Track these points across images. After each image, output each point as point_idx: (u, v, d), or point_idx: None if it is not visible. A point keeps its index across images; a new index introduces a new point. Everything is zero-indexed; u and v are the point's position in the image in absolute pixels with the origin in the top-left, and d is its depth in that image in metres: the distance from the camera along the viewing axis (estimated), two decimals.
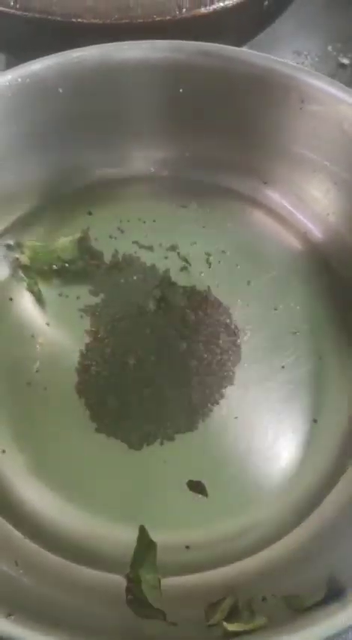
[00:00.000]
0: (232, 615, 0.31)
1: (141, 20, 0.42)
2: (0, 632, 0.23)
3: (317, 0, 0.72)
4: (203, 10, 0.43)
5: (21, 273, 0.43)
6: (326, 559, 0.32)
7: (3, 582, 0.31)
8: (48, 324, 0.42)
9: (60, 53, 0.40)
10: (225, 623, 0.28)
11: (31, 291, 0.43)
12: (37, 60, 0.40)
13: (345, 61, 0.67)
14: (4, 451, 0.37)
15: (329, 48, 0.69)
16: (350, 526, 0.34)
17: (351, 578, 0.28)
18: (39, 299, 0.43)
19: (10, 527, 0.34)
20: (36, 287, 0.43)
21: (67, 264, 0.44)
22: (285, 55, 0.68)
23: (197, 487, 0.36)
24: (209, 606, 0.32)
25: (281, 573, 0.33)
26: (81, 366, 0.40)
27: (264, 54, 0.41)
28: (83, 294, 0.43)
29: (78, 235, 0.45)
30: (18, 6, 0.42)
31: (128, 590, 0.33)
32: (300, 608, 0.29)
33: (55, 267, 0.44)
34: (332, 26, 0.71)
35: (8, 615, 0.24)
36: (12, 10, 0.42)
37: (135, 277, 0.44)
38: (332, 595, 0.28)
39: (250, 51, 0.41)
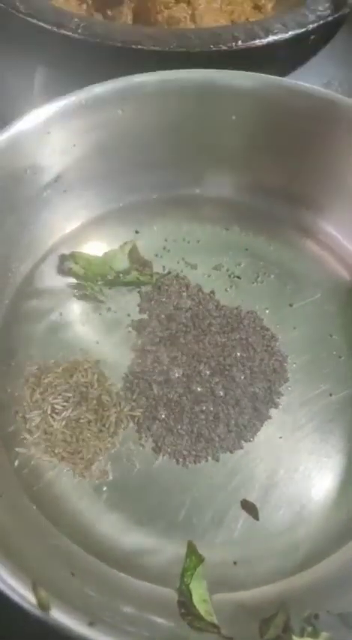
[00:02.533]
0: (286, 631, 0.31)
1: (198, 49, 0.44)
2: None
3: (346, 30, 0.74)
4: (258, 42, 0.44)
5: (74, 284, 0.45)
6: None
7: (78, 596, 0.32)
8: (97, 342, 0.43)
9: (121, 78, 0.42)
10: (294, 637, 0.29)
11: (84, 300, 0.44)
12: (99, 84, 0.42)
13: None
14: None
15: None
16: None
17: None
18: (89, 311, 0.44)
19: (65, 539, 0.35)
20: (89, 295, 0.44)
21: (120, 275, 0.45)
22: (317, 85, 0.69)
23: (250, 508, 0.37)
24: (263, 622, 0.32)
25: (332, 590, 0.34)
26: (128, 384, 0.41)
27: (318, 87, 0.43)
28: (131, 310, 0.44)
29: (128, 246, 0.46)
30: (80, 31, 0.44)
31: (180, 603, 0.34)
32: None
33: (108, 277, 0.45)
34: None
35: (90, 624, 0.25)
36: (75, 35, 0.43)
37: (182, 295, 0.45)
38: None
39: (305, 84, 0.43)
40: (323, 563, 0.35)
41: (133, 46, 0.43)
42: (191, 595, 0.34)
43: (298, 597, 0.34)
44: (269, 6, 0.59)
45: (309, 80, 0.69)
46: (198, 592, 0.34)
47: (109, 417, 0.40)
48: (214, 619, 0.32)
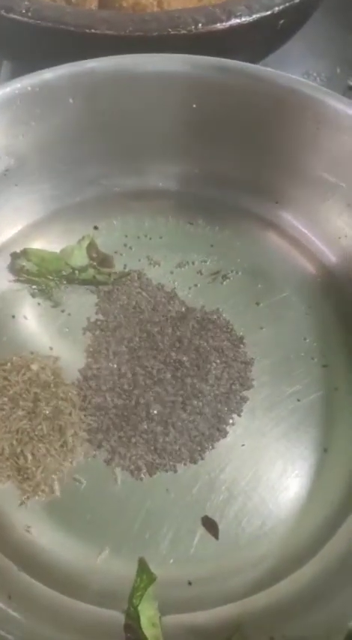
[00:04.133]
0: None
1: (156, 33, 0.41)
2: None
3: (327, 21, 0.72)
4: (219, 25, 0.42)
5: (27, 283, 0.42)
6: (341, 598, 0.30)
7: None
8: (50, 345, 0.40)
9: (73, 63, 0.39)
10: None
11: (38, 300, 0.42)
12: (49, 69, 0.39)
13: None
14: None
15: (338, 70, 0.68)
16: None
17: None
18: (43, 312, 0.41)
19: (5, 558, 0.32)
20: (44, 292, 0.42)
21: (76, 272, 0.42)
22: (295, 75, 0.67)
23: (210, 526, 0.35)
24: None
25: (291, 612, 0.31)
26: (80, 389, 0.38)
27: (281, 72, 0.40)
28: (87, 311, 0.42)
29: (86, 241, 0.43)
30: (30, 14, 0.41)
31: (127, 627, 0.31)
32: None
33: (63, 272, 0.42)
34: (342, 48, 0.71)
35: None
36: (24, 19, 0.41)
37: (141, 295, 0.43)
38: None
39: (267, 69, 0.41)
40: (284, 582, 0.33)
41: (87, 30, 0.41)
42: (139, 618, 0.31)
43: (255, 619, 0.31)
44: None
45: (287, 70, 0.66)
46: (147, 614, 0.31)
47: (66, 429, 0.37)
48: None
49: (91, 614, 0.32)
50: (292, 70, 0.67)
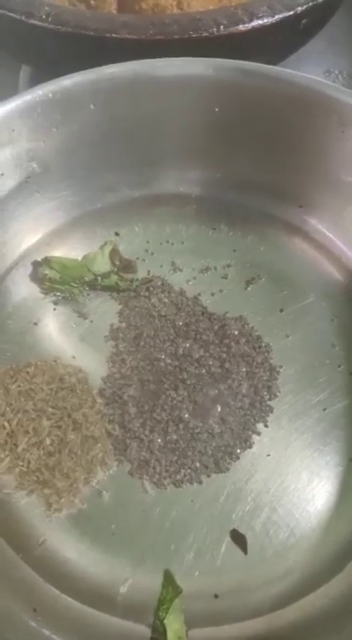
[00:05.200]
0: None
1: (176, 37, 0.41)
2: None
3: (347, 19, 0.71)
4: (241, 27, 0.41)
5: (49, 290, 0.42)
6: None
7: (19, 630, 0.29)
8: (73, 355, 0.40)
9: (92, 69, 0.39)
10: None
11: (61, 307, 0.42)
12: (69, 76, 0.39)
13: None
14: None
15: None
16: None
17: None
18: (66, 319, 0.41)
19: (30, 570, 0.32)
20: (68, 299, 0.42)
21: (99, 278, 0.42)
22: (316, 74, 0.66)
23: (239, 540, 0.34)
24: None
25: (319, 627, 0.31)
26: (103, 398, 0.38)
27: (305, 75, 0.39)
28: (110, 318, 0.41)
29: (108, 247, 0.43)
30: (50, 20, 0.41)
31: None
32: None
33: (86, 279, 0.42)
34: None
35: None
36: (44, 24, 0.40)
37: (164, 301, 0.42)
38: None
39: (291, 71, 0.40)
40: (311, 596, 0.32)
41: (107, 35, 0.40)
42: (166, 631, 0.31)
43: (283, 635, 0.31)
44: None
45: (307, 69, 0.66)
46: (174, 628, 0.31)
47: (93, 440, 0.37)
48: None
49: (117, 627, 0.31)
50: (313, 68, 0.67)
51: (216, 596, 0.33)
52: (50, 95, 0.38)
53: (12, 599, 0.31)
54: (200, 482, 0.36)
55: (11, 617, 0.29)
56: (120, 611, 0.32)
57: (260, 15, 0.42)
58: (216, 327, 0.41)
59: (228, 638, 0.31)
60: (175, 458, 0.36)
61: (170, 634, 0.31)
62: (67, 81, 0.38)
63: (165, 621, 0.31)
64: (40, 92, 0.38)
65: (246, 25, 0.41)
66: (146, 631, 0.31)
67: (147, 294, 0.43)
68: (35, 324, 0.41)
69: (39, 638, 0.29)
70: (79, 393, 0.38)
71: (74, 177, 0.42)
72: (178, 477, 0.36)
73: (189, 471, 0.36)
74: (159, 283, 0.43)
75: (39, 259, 0.42)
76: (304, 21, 0.45)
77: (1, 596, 0.30)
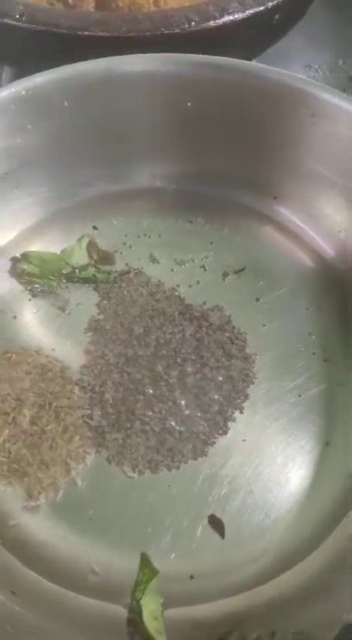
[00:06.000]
0: None
1: (149, 33, 0.41)
2: None
3: (328, 14, 0.71)
4: (212, 23, 0.42)
5: (28, 284, 0.43)
6: (340, 593, 0.30)
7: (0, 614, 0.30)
8: (53, 347, 0.41)
9: (64, 66, 0.40)
10: None
11: (40, 300, 0.42)
12: (42, 73, 0.40)
13: None
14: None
15: (340, 62, 0.68)
16: None
17: None
18: (45, 312, 0.42)
19: (9, 555, 0.33)
20: (47, 292, 0.43)
21: (76, 270, 0.43)
22: (296, 69, 0.67)
23: (216, 525, 0.35)
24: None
25: (291, 606, 0.31)
26: (82, 388, 0.39)
27: (274, 68, 0.40)
28: (89, 310, 0.42)
29: (86, 240, 0.44)
30: (24, 18, 0.41)
31: (129, 621, 0.32)
32: None
33: (64, 271, 0.43)
34: (343, 40, 0.70)
35: None
36: (19, 23, 0.41)
37: (142, 292, 0.43)
38: (347, 636, 0.26)
39: (260, 65, 0.41)
40: (285, 576, 0.33)
41: (80, 33, 0.41)
42: (141, 612, 0.32)
43: (257, 613, 0.31)
44: None
45: (287, 64, 0.67)
46: (149, 608, 0.32)
47: (72, 429, 0.37)
48: (163, 637, 0.30)
49: (95, 608, 0.32)
50: (293, 63, 0.68)
51: (191, 577, 0.33)
52: (23, 92, 0.39)
53: None
54: (177, 468, 0.37)
55: None
56: (98, 593, 0.33)
57: (231, 10, 0.43)
58: (193, 318, 0.42)
59: (203, 617, 0.32)
60: (152, 444, 0.37)
61: (146, 614, 0.31)
62: (39, 78, 0.39)
63: (142, 602, 0.32)
64: (13, 90, 0.39)
65: (217, 21, 0.42)
66: (123, 611, 0.32)
67: (125, 285, 0.43)
68: (14, 317, 0.42)
69: (18, 619, 0.30)
70: (59, 383, 0.39)
71: (51, 172, 0.43)
72: (155, 463, 0.37)
73: (166, 457, 0.37)
74: (137, 275, 0.44)
75: (18, 255, 0.43)
76: (277, 16, 0.46)
77: None
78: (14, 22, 0.41)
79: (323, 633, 0.27)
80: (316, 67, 0.67)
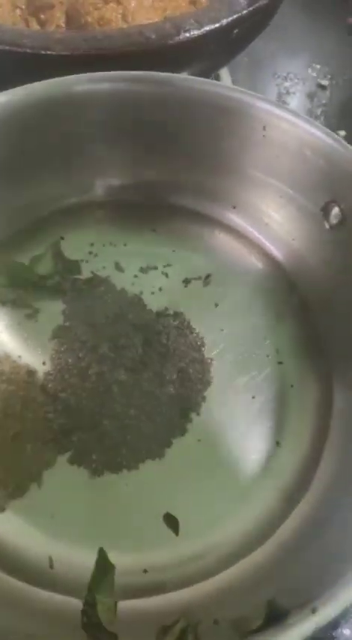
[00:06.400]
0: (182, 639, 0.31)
1: (108, 51, 0.43)
2: None
3: (298, 23, 0.73)
4: (170, 41, 0.44)
5: None
6: (274, 584, 0.32)
7: None
8: (19, 354, 0.42)
9: (9, 90, 0.41)
10: None
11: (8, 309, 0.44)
12: (1, 94, 0.41)
13: (324, 82, 0.68)
14: None
15: (309, 70, 0.70)
16: (299, 553, 0.34)
17: (293, 603, 0.28)
18: (11, 320, 0.44)
19: None
20: (15, 302, 0.44)
21: (43, 278, 0.45)
22: (266, 76, 0.69)
23: (171, 523, 0.37)
24: (161, 629, 0.32)
25: (233, 597, 0.33)
26: (46, 393, 0.41)
27: (225, 84, 0.42)
28: (55, 318, 0.44)
29: (53, 249, 0.46)
30: None
31: (84, 613, 0.33)
32: (246, 631, 0.29)
33: (31, 280, 0.45)
34: (313, 48, 0.72)
35: None
36: None
37: (106, 300, 0.45)
38: (273, 618, 0.28)
39: (212, 81, 0.42)
40: (230, 569, 0.35)
41: (42, 52, 0.43)
42: (96, 604, 0.33)
43: (201, 604, 0.33)
44: (204, 0, 0.58)
45: (258, 71, 0.69)
46: (104, 600, 0.34)
47: (36, 432, 0.39)
48: (115, 629, 0.32)
49: (53, 601, 0.34)
50: (263, 71, 0.70)
51: (145, 571, 0.35)
52: None
53: None
54: (136, 468, 0.39)
55: None
56: (57, 587, 0.34)
57: (187, 28, 0.44)
58: (156, 324, 0.44)
59: (153, 607, 0.34)
60: (112, 446, 0.39)
61: (100, 606, 0.33)
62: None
63: (97, 594, 0.34)
64: None
65: (174, 39, 0.44)
66: (78, 603, 0.34)
67: (90, 293, 0.45)
68: None
69: None
70: (25, 387, 0.41)
71: (16, 187, 0.45)
72: (114, 463, 0.38)
73: (124, 458, 0.39)
74: (102, 283, 0.46)
75: None
76: (236, 31, 0.48)
77: None
78: None
79: (256, 618, 0.29)
80: (284, 74, 0.69)
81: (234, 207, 0.46)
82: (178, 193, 0.47)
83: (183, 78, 0.42)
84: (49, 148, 0.44)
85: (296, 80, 0.68)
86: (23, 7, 0.58)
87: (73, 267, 0.46)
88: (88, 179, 0.47)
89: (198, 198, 0.47)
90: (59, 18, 0.57)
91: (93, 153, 0.45)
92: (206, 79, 0.42)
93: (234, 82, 0.63)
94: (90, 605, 0.33)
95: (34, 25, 0.58)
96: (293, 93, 0.67)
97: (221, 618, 0.32)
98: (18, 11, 0.59)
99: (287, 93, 0.67)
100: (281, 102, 0.64)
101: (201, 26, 0.45)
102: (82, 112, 0.43)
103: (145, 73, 0.42)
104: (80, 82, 0.42)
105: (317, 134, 0.41)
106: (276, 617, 0.28)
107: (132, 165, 0.46)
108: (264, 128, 0.42)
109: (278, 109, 0.41)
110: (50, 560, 0.35)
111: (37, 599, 0.34)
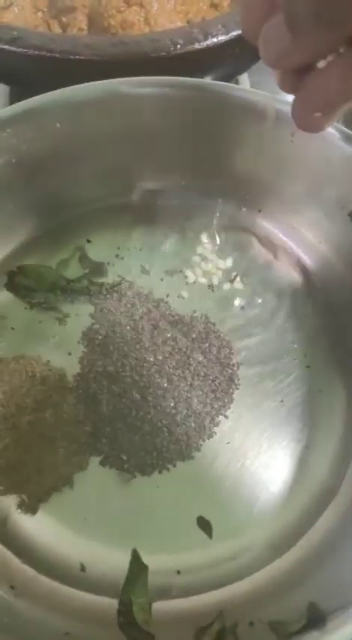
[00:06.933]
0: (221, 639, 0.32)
1: (136, 57, 0.44)
2: None
3: None
4: (197, 46, 0.44)
5: (25, 298, 0.45)
6: (311, 585, 0.33)
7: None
8: (48, 359, 0.43)
9: (58, 90, 0.42)
10: None
11: (37, 312, 0.45)
12: (36, 97, 0.42)
13: None
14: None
15: None
16: (334, 554, 0.34)
17: (332, 606, 0.29)
18: (40, 324, 0.44)
19: (7, 552, 0.36)
20: (43, 306, 0.45)
21: (71, 283, 0.45)
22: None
23: (205, 526, 0.37)
24: (198, 630, 0.33)
25: (268, 598, 0.34)
26: (76, 395, 0.41)
27: (254, 90, 0.42)
28: (83, 321, 0.44)
29: (78, 253, 0.46)
30: (17, 43, 0.44)
31: (119, 613, 0.34)
32: (284, 634, 0.30)
33: (60, 284, 0.45)
34: None
35: None
36: (12, 48, 0.43)
37: (133, 303, 0.45)
38: (313, 622, 0.29)
39: (242, 87, 0.43)
40: (264, 570, 0.35)
41: (71, 57, 0.43)
42: (131, 604, 0.34)
43: (236, 605, 0.34)
44: (226, 3, 0.59)
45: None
46: (139, 601, 0.34)
47: (67, 435, 0.39)
48: (151, 629, 0.33)
49: (88, 601, 0.35)
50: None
51: (178, 572, 0.36)
52: (19, 115, 0.41)
53: None
54: (167, 470, 0.39)
55: None
56: (91, 587, 0.35)
57: (214, 33, 0.45)
58: (182, 327, 0.44)
59: (188, 609, 0.34)
60: (143, 448, 0.39)
61: (135, 606, 0.34)
62: (34, 102, 0.41)
63: (131, 595, 0.34)
64: (8, 113, 0.41)
65: (202, 44, 0.44)
66: (114, 603, 0.34)
67: (117, 296, 0.46)
68: (12, 328, 0.44)
69: (15, 611, 0.33)
70: (56, 390, 0.41)
71: (47, 190, 0.45)
72: (145, 465, 0.39)
73: (155, 459, 0.39)
74: (129, 286, 0.46)
75: (14, 268, 0.45)
76: None
77: None
78: (8, 47, 0.43)
79: (297, 621, 0.29)
80: None
81: (260, 211, 0.47)
82: (206, 197, 0.48)
83: (220, 84, 0.43)
84: (86, 149, 0.44)
85: None
86: (45, 9, 0.59)
87: (100, 269, 0.46)
88: (124, 182, 0.47)
89: (225, 203, 0.47)
90: (81, 21, 0.58)
91: (132, 156, 0.46)
92: (241, 87, 0.43)
93: (252, 84, 0.63)
94: (125, 606, 0.34)
95: (56, 28, 0.58)
96: None
97: (257, 620, 0.32)
98: (40, 14, 0.59)
99: None
100: None
101: (228, 31, 0.45)
102: (121, 115, 0.44)
103: (186, 79, 0.43)
104: (128, 85, 0.42)
105: (344, 138, 0.41)
106: (316, 620, 0.28)
107: (168, 169, 0.47)
108: (293, 134, 0.42)
109: None
110: (82, 566, 0.36)
111: (71, 598, 0.35)
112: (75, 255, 0.46)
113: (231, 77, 0.54)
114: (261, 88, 0.58)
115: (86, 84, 0.42)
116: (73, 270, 0.46)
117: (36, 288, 0.45)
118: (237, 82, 0.60)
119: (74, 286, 0.45)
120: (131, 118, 0.44)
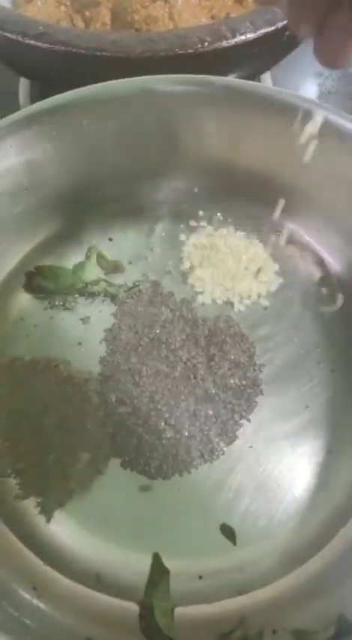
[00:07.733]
0: None
1: (163, 54, 0.43)
2: None
3: None
4: (224, 43, 0.43)
5: (44, 299, 0.45)
6: (337, 594, 0.33)
7: (20, 607, 0.32)
8: (70, 359, 0.42)
9: (85, 87, 0.41)
10: None
11: (56, 313, 0.44)
12: (62, 94, 0.41)
13: None
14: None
15: (351, 69, 0.69)
16: None
17: None
18: (61, 325, 0.44)
19: (31, 554, 0.35)
20: (63, 307, 0.44)
21: (89, 285, 0.45)
22: (307, 76, 0.68)
23: (228, 533, 0.37)
24: (220, 637, 0.32)
25: (292, 606, 0.34)
26: (98, 397, 0.41)
27: (283, 89, 0.42)
28: (104, 322, 0.44)
29: (93, 254, 0.46)
30: (43, 39, 0.43)
31: (141, 617, 0.34)
32: None
33: (77, 286, 0.45)
34: None
35: None
36: (38, 43, 0.43)
37: (155, 303, 0.45)
38: (341, 633, 0.28)
39: (271, 87, 0.42)
40: (287, 577, 0.35)
41: (97, 53, 0.43)
42: (153, 609, 0.34)
43: (259, 612, 0.34)
44: None
45: (300, 72, 0.68)
46: (161, 605, 0.34)
47: (91, 436, 0.39)
48: (173, 634, 0.33)
49: (110, 603, 0.35)
50: (304, 71, 0.69)
51: (200, 577, 0.36)
52: (45, 112, 0.41)
53: (14, 580, 0.34)
54: (188, 473, 0.39)
55: (14, 594, 0.32)
56: (113, 590, 0.35)
57: (242, 31, 0.44)
58: (205, 328, 0.44)
59: (210, 614, 0.34)
60: (164, 451, 0.39)
61: (157, 611, 0.34)
62: (60, 98, 0.41)
63: (153, 599, 0.34)
64: (33, 110, 0.40)
65: (229, 41, 0.44)
66: (136, 607, 0.34)
67: (138, 296, 0.45)
68: (35, 326, 0.44)
69: (38, 613, 0.33)
70: (79, 391, 0.41)
71: (67, 189, 0.45)
72: (166, 468, 0.39)
73: (177, 462, 0.39)
74: (150, 286, 0.46)
75: (32, 269, 0.45)
76: (287, 33, 0.47)
77: (5, 577, 0.34)
78: (34, 42, 0.43)
79: (323, 631, 0.29)
80: (326, 74, 0.68)
81: (286, 212, 0.46)
82: (229, 197, 0.47)
83: (252, 84, 0.42)
84: (110, 148, 0.44)
85: (337, 80, 0.67)
86: (68, 3, 0.58)
87: (116, 268, 0.46)
88: (140, 182, 0.46)
89: (248, 203, 0.47)
90: (105, 15, 0.57)
91: (150, 156, 0.45)
92: (272, 87, 0.42)
93: (274, 81, 0.62)
94: (147, 610, 0.34)
95: (79, 22, 0.58)
96: (335, 93, 0.66)
97: (280, 628, 0.32)
98: (63, 8, 0.59)
99: (329, 93, 0.66)
100: (322, 102, 0.63)
101: (256, 29, 0.44)
102: (147, 113, 0.43)
103: (217, 78, 0.42)
104: (161, 82, 0.42)
105: None
106: (345, 632, 0.28)
107: (184, 168, 0.46)
108: (321, 136, 0.41)
109: (334, 115, 0.41)
110: (100, 569, 0.36)
111: (92, 601, 0.35)
112: (90, 257, 0.46)
113: (254, 75, 0.53)
114: (283, 85, 0.58)
115: (115, 81, 0.41)
116: (90, 273, 0.45)
117: (54, 290, 0.45)
118: (259, 80, 0.59)
119: (92, 289, 0.45)
120: (160, 116, 0.43)
